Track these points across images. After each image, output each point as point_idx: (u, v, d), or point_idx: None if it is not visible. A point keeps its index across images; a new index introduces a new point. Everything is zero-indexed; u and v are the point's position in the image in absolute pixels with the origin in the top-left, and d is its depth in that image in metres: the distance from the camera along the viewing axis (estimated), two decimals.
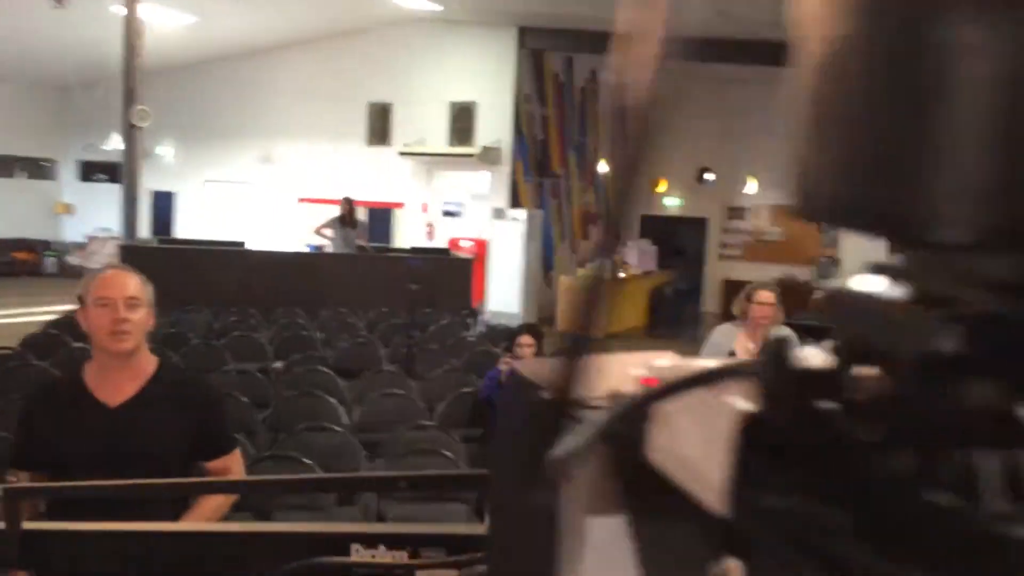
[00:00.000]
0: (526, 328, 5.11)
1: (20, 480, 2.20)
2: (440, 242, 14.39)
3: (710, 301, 16.94)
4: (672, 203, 17.47)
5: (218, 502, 2.37)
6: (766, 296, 4.56)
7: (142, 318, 2.27)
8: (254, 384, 5.44)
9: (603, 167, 16.13)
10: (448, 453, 4.04)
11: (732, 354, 4.59)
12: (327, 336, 7.52)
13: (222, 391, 2.97)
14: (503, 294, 12.99)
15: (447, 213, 14.60)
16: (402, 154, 15.18)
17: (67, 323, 7.65)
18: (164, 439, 2.28)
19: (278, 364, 6.67)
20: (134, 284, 2.28)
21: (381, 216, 15.68)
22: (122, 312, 2.21)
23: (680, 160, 16.46)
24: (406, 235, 15.42)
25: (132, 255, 9.96)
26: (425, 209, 15.41)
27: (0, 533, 0.96)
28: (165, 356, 3.01)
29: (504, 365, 4.90)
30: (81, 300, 2.29)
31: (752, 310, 4.55)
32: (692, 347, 13.12)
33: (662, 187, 17.09)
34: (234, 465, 2.48)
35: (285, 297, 9.39)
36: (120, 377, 2.28)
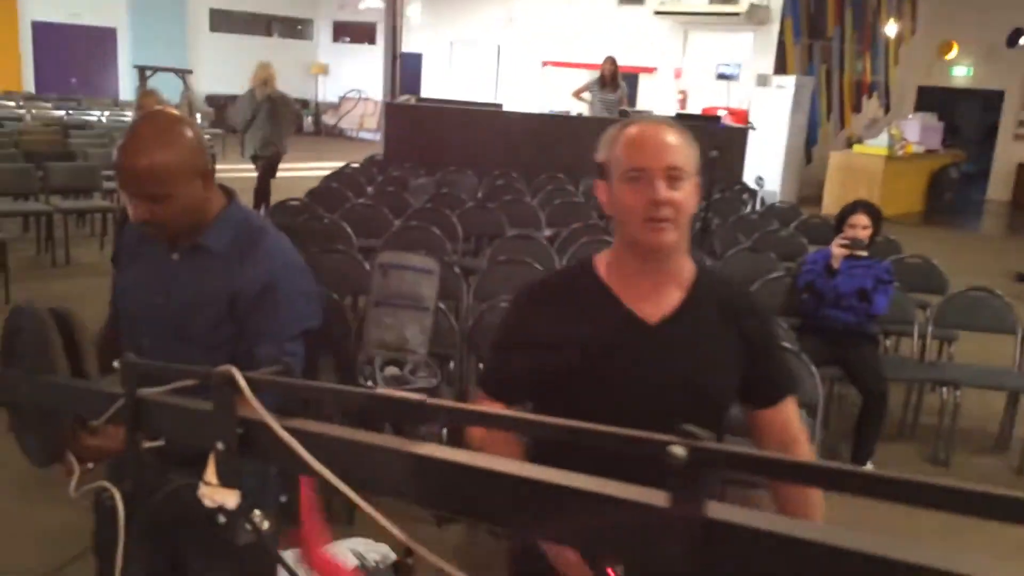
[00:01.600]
0: (861, 206, 4.35)
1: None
2: (693, 111, 13.41)
3: (998, 187, 14.85)
4: (960, 73, 15.22)
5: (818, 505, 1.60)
6: None
7: (688, 197, 1.52)
8: (539, 253, 5.11)
9: (888, 28, 14.20)
10: (786, 344, 3.49)
11: None
12: (596, 205, 7.06)
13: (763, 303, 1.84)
14: (762, 170, 11.94)
15: (722, 76, 13.48)
16: (658, 13, 14.10)
17: (343, 176, 7.73)
18: (723, 374, 1.61)
19: (548, 231, 6.34)
20: (678, 147, 1.52)
21: (627, 82, 14.82)
22: (661, 191, 1.48)
23: (984, 19, 14.13)
24: (654, 103, 14.53)
25: (394, 114, 9.95)
26: (678, 75, 14.38)
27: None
28: (699, 256, 2.30)
29: (838, 249, 4.20)
30: (601, 169, 1.61)
31: None
32: (971, 238, 11.58)
33: (952, 53, 14.88)
34: (794, 416, 1.69)
35: (545, 162, 9.02)
36: (656, 281, 1.59)
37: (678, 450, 0.54)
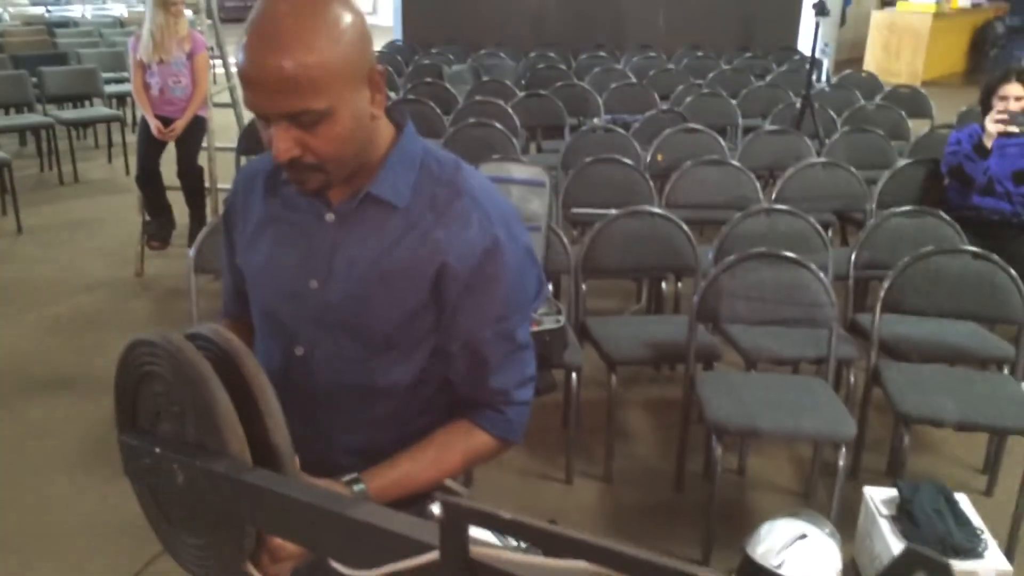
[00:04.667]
0: (1015, 74, 3.74)
1: None
2: None
3: None
4: None
5: None
6: None
7: None
8: (624, 147, 4.51)
9: None
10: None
11: None
12: (652, 84, 6.39)
13: None
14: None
15: None
16: None
17: None
18: None
19: (606, 119, 5.71)
20: None
21: None
22: None
23: None
24: None
25: None
26: None
27: None
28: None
29: (993, 125, 3.62)
30: None
31: None
32: None
33: None
34: None
35: (580, 37, 8.25)
36: None
37: None
